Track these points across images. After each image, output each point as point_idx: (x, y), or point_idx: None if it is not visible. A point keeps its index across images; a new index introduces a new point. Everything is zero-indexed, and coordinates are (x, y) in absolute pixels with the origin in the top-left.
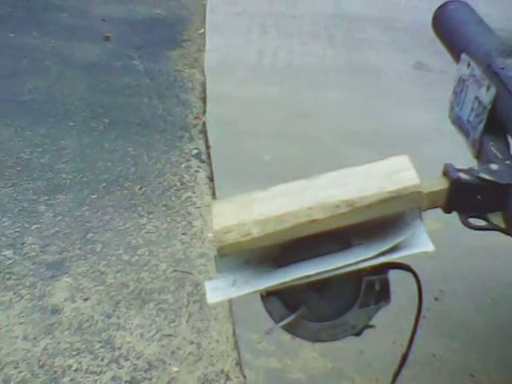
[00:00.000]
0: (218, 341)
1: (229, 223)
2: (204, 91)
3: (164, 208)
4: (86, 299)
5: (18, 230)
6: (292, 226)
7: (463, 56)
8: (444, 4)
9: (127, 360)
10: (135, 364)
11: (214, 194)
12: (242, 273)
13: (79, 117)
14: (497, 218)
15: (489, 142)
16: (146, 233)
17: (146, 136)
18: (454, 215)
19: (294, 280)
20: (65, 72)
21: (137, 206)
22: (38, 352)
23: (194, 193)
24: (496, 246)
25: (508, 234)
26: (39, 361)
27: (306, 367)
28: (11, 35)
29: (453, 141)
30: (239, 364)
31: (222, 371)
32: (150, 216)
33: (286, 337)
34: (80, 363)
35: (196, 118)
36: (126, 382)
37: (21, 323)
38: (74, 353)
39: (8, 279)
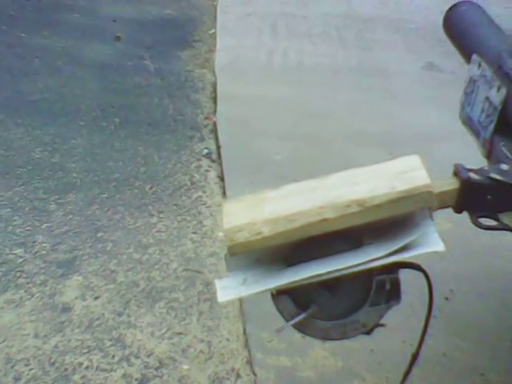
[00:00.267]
0: (228, 339)
1: (239, 222)
2: (214, 91)
3: (174, 207)
4: (96, 297)
5: (28, 228)
6: (303, 226)
7: (474, 57)
8: (455, 5)
9: (138, 358)
10: (146, 362)
11: (224, 194)
12: (253, 271)
13: (90, 116)
14: (507, 218)
15: (499, 143)
16: (157, 232)
17: (157, 136)
18: (465, 215)
19: (304, 279)
20: (76, 72)
21: (147, 205)
22: (49, 350)
23: (204, 192)
24: (507, 245)
25: None
26: (50, 358)
27: (316, 366)
28: (22, 35)
29: (463, 141)
30: (250, 362)
31: (233, 369)
32: (161, 215)
33: (297, 335)
34: (91, 361)
35: (206, 117)
36: (136, 379)
37: (32, 321)
38: (85, 350)
39: (19, 277)
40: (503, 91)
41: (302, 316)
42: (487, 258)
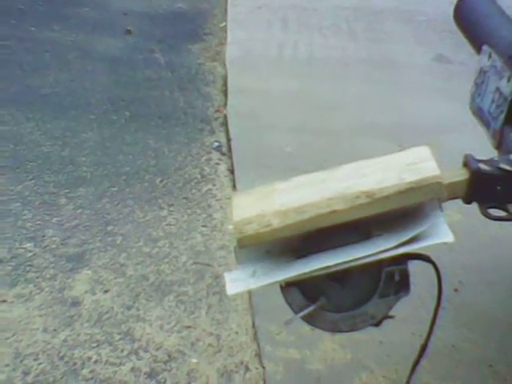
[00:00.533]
0: (237, 332)
1: (249, 214)
2: (225, 84)
3: (184, 200)
4: (106, 291)
5: (38, 222)
6: (312, 217)
7: (484, 47)
8: None
9: (147, 351)
10: (155, 355)
11: (234, 187)
12: (262, 264)
13: (100, 110)
14: None
15: (509, 133)
16: (167, 225)
17: (167, 129)
18: (474, 206)
19: (313, 271)
20: (86, 66)
21: (157, 198)
22: (58, 344)
23: (214, 185)
24: None
25: None
26: (59, 352)
27: (325, 358)
28: (32, 29)
29: (473, 132)
30: (258, 355)
31: (242, 362)
32: (171, 208)
33: (306, 328)
34: (100, 355)
35: (217, 110)
36: (145, 373)
37: (41, 315)
38: (94, 344)
39: (28, 271)
40: None
41: (310, 308)
42: (497, 249)
